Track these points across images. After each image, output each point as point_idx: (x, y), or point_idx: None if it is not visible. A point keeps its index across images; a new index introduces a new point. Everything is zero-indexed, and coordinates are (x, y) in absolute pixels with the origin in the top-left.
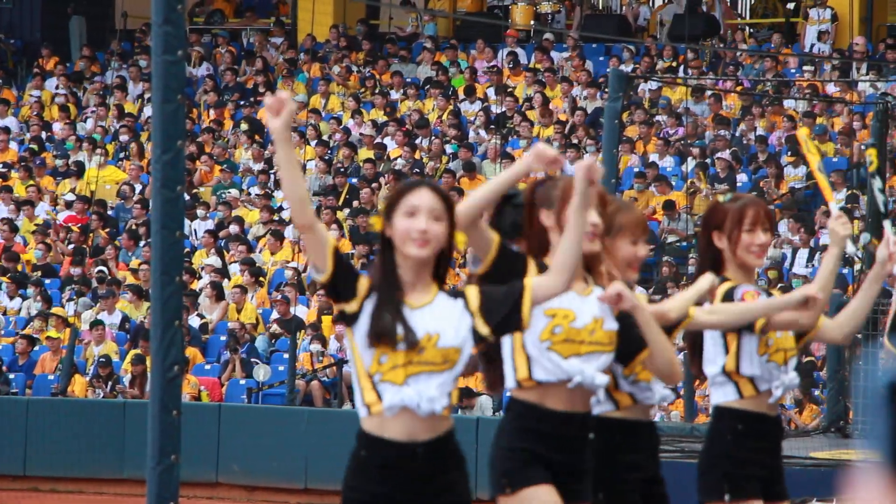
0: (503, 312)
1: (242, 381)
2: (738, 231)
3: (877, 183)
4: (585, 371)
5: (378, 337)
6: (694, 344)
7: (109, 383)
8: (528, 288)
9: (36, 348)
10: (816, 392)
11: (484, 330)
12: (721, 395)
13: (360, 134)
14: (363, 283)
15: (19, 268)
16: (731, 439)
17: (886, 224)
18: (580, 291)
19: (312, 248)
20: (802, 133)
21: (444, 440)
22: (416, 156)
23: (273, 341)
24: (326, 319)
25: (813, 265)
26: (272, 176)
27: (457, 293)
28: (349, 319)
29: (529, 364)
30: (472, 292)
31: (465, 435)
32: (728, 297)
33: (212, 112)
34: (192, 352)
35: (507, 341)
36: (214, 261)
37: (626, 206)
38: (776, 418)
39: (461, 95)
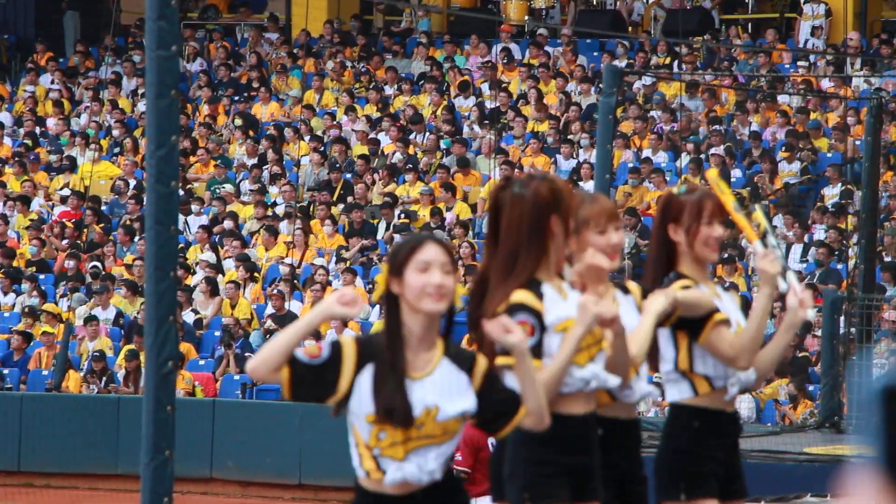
0: (496, 416)
1: (237, 377)
2: (696, 224)
3: (771, 240)
4: (599, 374)
5: (389, 417)
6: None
7: (104, 379)
8: (522, 411)
9: (30, 344)
10: (811, 388)
11: (478, 419)
12: (676, 392)
13: (353, 130)
14: (349, 358)
15: (14, 263)
16: (688, 437)
17: (789, 274)
18: (564, 296)
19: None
20: (712, 174)
21: (443, 482)
22: (411, 151)
23: (267, 337)
24: None
25: (807, 260)
26: (266, 171)
27: (465, 362)
28: (339, 402)
29: None
30: (480, 372)
31: None
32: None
33: (206, 107)
34: (186, 347)
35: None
36: (209, 256)
37: (590, 198)
38: (733, 415)
39: (455, 91)
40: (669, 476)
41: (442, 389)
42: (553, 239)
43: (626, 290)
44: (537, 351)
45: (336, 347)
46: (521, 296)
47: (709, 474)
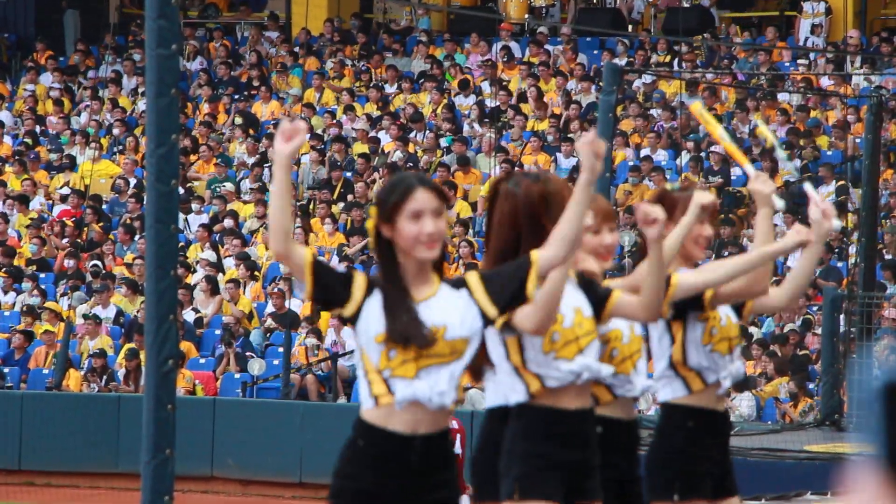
0: (511, 290)
1: (237, 376)
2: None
3: (780, 153)
4: (591, 365)
5: (406, 340)
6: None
7: (104, 377)
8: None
9: (31, 343)
10: (811, 385)
11: (492, 311)
12: (669, 391)
13: (353, 128)
14: (359, 283)
15: (15, 262)
16: (683, 437)
17: (807, 186)
18: None
19: (293, 271)
20: (696, 107)
21: (442, 436)
22: (411, 149)
23: (268, 335)
24: (322, 313)
25: None
26: (266, 170)
27: (458, 283)
28: (349, 320)
29: (541, 379)
30: (473, 279)
31: None
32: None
33: (206, 106)
34: (186, 346)
35: (501, 360)
36: (209, 255)
37: None
38: (724, 413)
39: (455, 89)
40: (664, 476)
41: (447, 309)
42: (543, 242)
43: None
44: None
45: (348, 271)
46: None
47: (704, 474)
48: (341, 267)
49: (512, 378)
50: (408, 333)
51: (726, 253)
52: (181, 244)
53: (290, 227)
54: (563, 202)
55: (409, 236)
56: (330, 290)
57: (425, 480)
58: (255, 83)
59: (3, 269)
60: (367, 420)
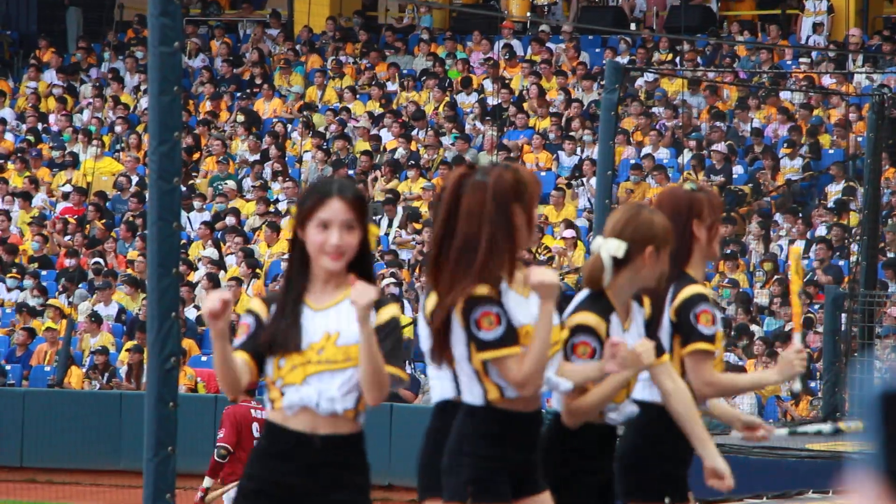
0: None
1: None
2: (717, 221)
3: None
4: (550, 379)
5: (271, 342)
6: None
7: (106, 375)
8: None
9: (33, 340)
10: (812, 383)
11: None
12: (647, 392)
13: (354, 126)
14: (262, 315)
15: (17, 259)
16: (668, 437)
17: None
18: (525, 295)
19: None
20: (795, 253)
21: (347, 439)
22: (413, 147)
23: None
24: None
25: (808, 256)
26: (268, 167)
27: (378, 303)
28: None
29: (501, 389)
30: (383, 318)
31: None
32: (686, 308)
33: (208, 104)
34: (188, 343)
35: (462, 359)
36: (211, 252)
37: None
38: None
39: (457, 87)
40: (650, 478)
41: (347, 319)
42: (516, 231)
43: (640, 303)
44: (506, 340)
45: (251, 312)
46: (483, 289)
47: (686, 476)
48: None
49: (470, 380)
50: (275, 337)
51: (728, 251)
52: (183, 242)
53: (239, 376)
54: (534, 190)
55: (315, 245)
56: (258, 347)
57: (327, 479)
58: (257, 81)
59: (15, 269)
60: (269, 420)
